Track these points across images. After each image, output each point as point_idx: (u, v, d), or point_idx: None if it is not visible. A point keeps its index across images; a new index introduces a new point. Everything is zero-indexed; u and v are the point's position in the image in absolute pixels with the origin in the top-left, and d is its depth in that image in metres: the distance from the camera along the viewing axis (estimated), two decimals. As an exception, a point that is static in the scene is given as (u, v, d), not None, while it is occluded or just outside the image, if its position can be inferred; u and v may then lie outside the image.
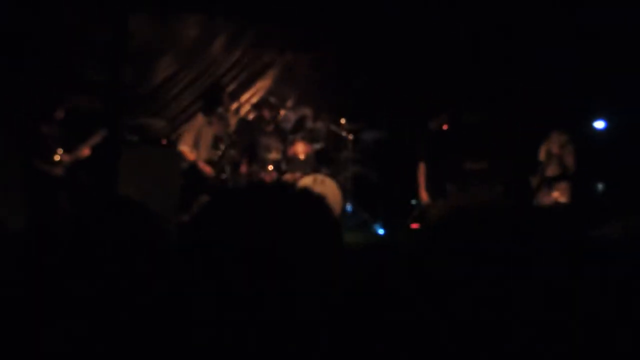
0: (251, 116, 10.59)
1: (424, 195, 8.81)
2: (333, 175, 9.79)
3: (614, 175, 9.52)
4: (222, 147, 8.97)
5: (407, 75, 10.45)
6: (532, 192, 9.08)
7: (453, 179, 9.30)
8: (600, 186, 9.76)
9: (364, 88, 10.88)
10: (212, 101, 9.17)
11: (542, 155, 9.00)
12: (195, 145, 8.92)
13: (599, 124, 9.81)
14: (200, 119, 9.10)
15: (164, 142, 9.95)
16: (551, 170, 8.83)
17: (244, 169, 9.47)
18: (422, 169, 8.78)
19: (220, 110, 9.10)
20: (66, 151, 8.44)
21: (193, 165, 9.01)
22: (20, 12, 8.95)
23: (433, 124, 8.93)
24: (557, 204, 8.85)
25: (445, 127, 9.44)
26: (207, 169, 8.87)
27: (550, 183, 8.85)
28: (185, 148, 8.90)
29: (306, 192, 1.51)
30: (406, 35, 10.22)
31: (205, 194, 8.68)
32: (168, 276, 1.67)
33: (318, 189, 8.68)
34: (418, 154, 8.81)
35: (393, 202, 9.99)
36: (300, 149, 9.79)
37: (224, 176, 9.06)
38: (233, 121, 9.75)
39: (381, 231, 9.70)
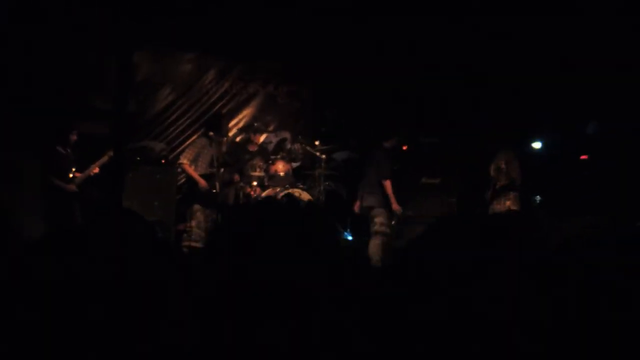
0: (238, 139, 11.15)
1: (397, 207, 9.45)
2: (308, 189, 10.23)
3: (550, 188, 10.27)
4: (216, 165, 9.42)
5: (374, 104, 11.06)
6: (487, 203, 9.81)
7: (411, 192, 10.27)
8: (537, 198, 10.44)
9: (335, 115, 11.46)
10: (213, 126, 9.62)
11: (491, 171, 9.73)
12: (194, 161, 9.36)
13: (536, 144, 10.67)
14: (202, 140, 9.55)
15: (163, 162, 10.51)
16: (500, 184, 9.59)
17: (232, 183, 10.05)
18: (389, 185, 9.40)
19: (218, 134, 9.60)
20: (78, 170, 9.15)
21: (189, 178, 9.50)
22: (40, 52, 9.66)
23: (388, 144, 9.60)
24: (510, 211, 9.52)
25: (404, 147, 10.45)
26: (202, 182, 9.28)
27: (499, 193, 9.61)
28: (185, 161, 9.32)
29: (312, 203, 1.96)
30: (373, 71, 10.83)
31: (197, 204, 9.33)
32: (163, 276, 1.69)
33: (295, 201, 9.67)
34: (385, 173, 9.38)
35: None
36: (281, 167, 10.25)
37: (214, 191, 9.52)
38: (224, 143, 10.35)
39: (349, 237, 10.36)
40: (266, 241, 1.64)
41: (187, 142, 10.73)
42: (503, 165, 9.62)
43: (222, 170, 9.78)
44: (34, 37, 9.61)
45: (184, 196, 9.87)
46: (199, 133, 10.42)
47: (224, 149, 10.07)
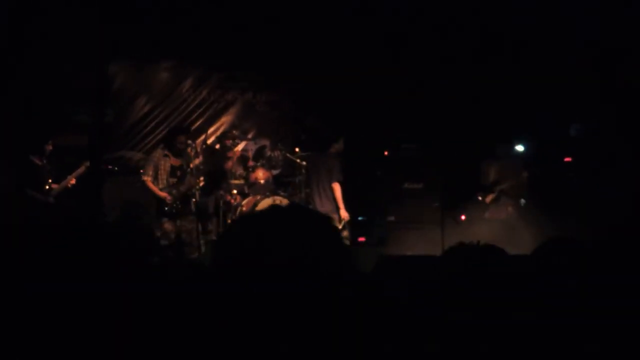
0: (217, 146, 10.95)
1: (345, 214, 9.15)
2: (289, 196, 10.25)
3: (534, 191, 10.15)
4: (179, 174, 9.19)
5: (352, 111, 10.97)
6: (485, 207, 9.96)
7: (393, 198, 10.23)
8: (522, 201, 10.21)
9: (313, 122, 11.40)
10: (171, 141, 9.32)
11: (491, 175, 9.96)
12: (155, 176, 9.10)
13: (519, 147, 10.56)
14: (158, 152, 9.32)
15: (141, 172, 9.96)
16: (500, 188, 9.86)
17: (212, 192, 10.07)
18: (339, 189, 9.15)
19: (177, 147, 9.27)
20: (55, 181, 9.04)
21: (155, 194, 9.20)
22: (17, 64, 9.66)
23: (333, 149, 9.39)
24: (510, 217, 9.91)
25: (385, 153, 10.39)
26: (165, 196, 9.03)
27: (500, 198, 9.84)
28: (147, 178, 9.06)
29: (316, 212, 1.76)
30: (351, 79, 10.75)
31: (164, 216, 9.10)
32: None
33: (276, 209, 9.66)
34: (338, 176, 9.15)
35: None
36: (261, 175, 10.20)
37: (193, 200, 9.40)
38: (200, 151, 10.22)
39: None
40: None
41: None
42: (503, 170, 9.86)
43: (201, 178, 9.65)
44: (11, 49, 9.60)
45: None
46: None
47: (199, 157, 9.92)
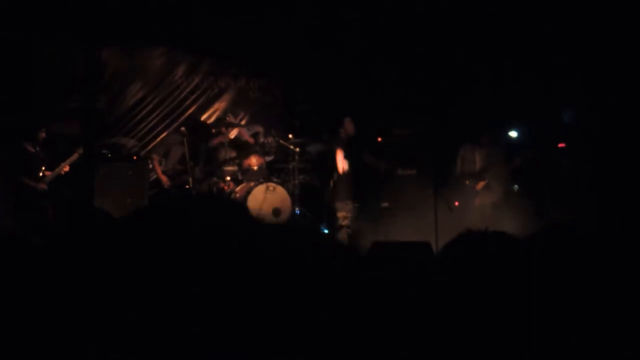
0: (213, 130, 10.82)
1: (343, 166, 9.32)
2: (283, 183, 10.19)
3: (527, 177, 10.20)
4: (190, 163, 9.39)
5: (344, 97, 10.81)
6: (475, 193, 9.95)
7: (387, 184, 10.28)
8: (515, 187, 10.31)
9: (306, 109, 11.36)
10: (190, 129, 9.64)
11: (478, 162, 9.97)
12: (165, 157, 9.48)
13: (513, 133, 10.57)
14: (174, 136, 9.65)
15: (135, 158, 10.43)
16: (489, 174, 9.88)
17: (205, 179, 10.06)
18: (340, 153, 9.32)
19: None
20: (49, 169, 9.10)
21: (157, 175, 9.59)
22: (8, 51, 9.65)
23: (342, 134, 9.46)
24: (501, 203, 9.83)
25: (379, 139, 10.40)
26: (163, 179, 9.41)
27: (490, 185, 9.83)
28: (155, 156, 9.50)
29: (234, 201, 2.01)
30: (341, 66, 10.83)
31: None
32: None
33: (270, 195, 9.72)
34: (336, 144, 9.29)
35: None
36: (254, 161, 10.20)
37: (188, 187, 9.55)
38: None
39: (325, 230, 10.22)
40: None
41: (159, 138, 10.87)
42: (489, 157, 9.87)
43: (194, 169, 9.74)
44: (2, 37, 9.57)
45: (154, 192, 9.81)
46: (171, 128, 10.60)
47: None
